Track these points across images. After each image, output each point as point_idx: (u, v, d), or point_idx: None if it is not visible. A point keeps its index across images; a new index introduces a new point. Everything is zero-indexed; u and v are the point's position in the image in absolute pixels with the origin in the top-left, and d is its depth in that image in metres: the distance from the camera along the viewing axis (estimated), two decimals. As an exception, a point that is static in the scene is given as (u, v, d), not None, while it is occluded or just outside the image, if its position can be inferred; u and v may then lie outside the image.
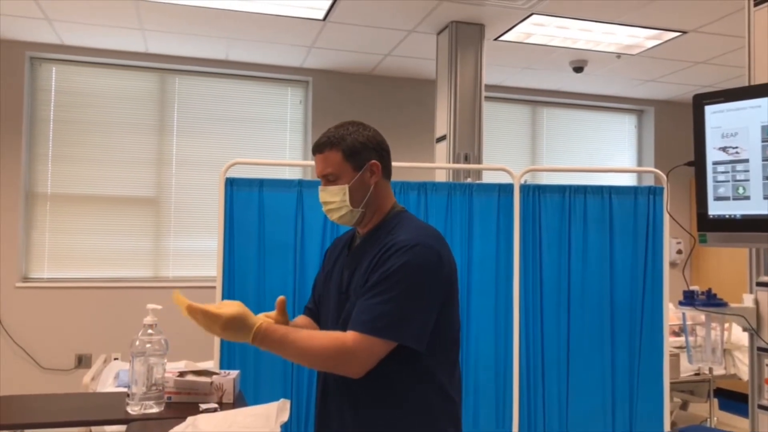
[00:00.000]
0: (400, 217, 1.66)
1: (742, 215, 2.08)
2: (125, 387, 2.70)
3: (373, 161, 1.64)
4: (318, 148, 1.64)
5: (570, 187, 3.19)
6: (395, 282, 1.48)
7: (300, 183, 2.99)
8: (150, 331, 1.85)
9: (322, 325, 1.72)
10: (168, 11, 4.12)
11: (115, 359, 4.28)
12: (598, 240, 3.18)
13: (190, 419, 1.59)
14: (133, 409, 1.81)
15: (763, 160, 2.01)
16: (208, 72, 5.23)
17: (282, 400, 1.64)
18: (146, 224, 5.09)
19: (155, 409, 1.82)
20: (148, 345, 1.83)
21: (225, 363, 2.84)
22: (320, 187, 1.66)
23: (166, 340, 1.87)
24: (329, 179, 1.63)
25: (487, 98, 4.63)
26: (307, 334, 1.51)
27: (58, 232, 4.90)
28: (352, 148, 1.61)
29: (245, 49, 4.89)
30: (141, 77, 5.13)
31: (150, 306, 1.88)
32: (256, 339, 1.44)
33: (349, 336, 1.46)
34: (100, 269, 4.97)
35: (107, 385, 3.40)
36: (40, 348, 4.72)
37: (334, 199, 1.62)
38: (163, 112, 5.17)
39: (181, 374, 1.96)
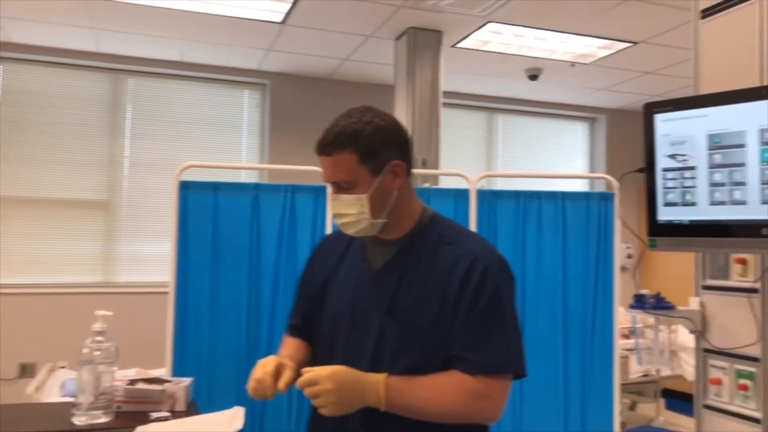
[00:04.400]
0: (441, 221, 1.43)
1: (690, 221, 2.14)
2: (72, 396, 2.62)
3: (396, 161, 1.34)
4: (324, 149, 1.31)
5: (524, 192, 3.24)
6: (499, 311, 1.30)
7: (256, 187, 2.95)
8: (99, 338, 1.79)
9: (329, 345, 1.42)
10: (120, 10, 4.03)
11: (62, 368, 4.13)
12: (552, 244, 3.23)
13: (139, 429, 1.56)
14: (80, 420, 1.75)
15: (708, 168, 2.08)
16: (163, 73, 5.13)
17: (235, 407, 1.62)
18: (97, 228, 4.95)
19: (103, 419, 1.76)
20: (96, 353, 1.78)
21: (178, 370, 2.78)
22: (332, 196, 1.36)
23: (116, 347, 1.82)
24: (342, 186, 1.33)
25: (445, 104, 4.67)
26: (430, 382, 1.26)
27: (3, 236, 4.72)
28: (368, 148, 1.30)
29: (201, 50, 4.82)
30: (93, 77, 5.00)
31: (99, 312, 1.82)
32: (389, 395, 1.23)
33: (479, 382, 1.26)
34: (47, 274, 4.80)
35: (53, 395, 3.28)
36: (-18, 357, 4.54)
37: (350, 211, 1.32)
38: (116, 113, 5.04)
39: (132, 382, 1.92)
